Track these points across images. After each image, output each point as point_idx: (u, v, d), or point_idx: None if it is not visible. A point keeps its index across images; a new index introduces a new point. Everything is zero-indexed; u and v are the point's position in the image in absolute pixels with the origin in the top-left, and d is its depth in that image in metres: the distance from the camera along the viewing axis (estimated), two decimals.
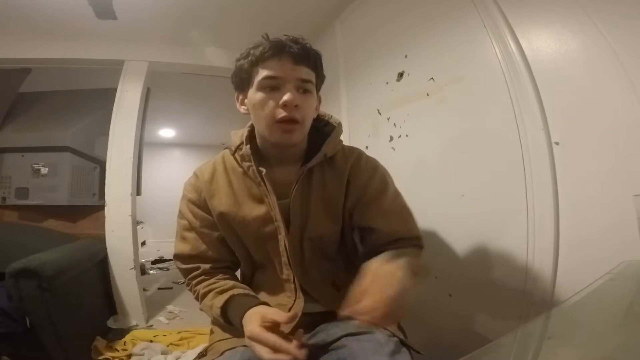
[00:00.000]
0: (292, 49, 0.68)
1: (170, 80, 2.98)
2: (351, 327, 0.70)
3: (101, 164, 2.23)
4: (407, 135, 1.39)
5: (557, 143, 0.86)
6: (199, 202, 0.80)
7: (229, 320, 0.71)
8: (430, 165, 1.28)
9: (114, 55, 2.29)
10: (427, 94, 1.28)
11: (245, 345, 0.67)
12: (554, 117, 0.87)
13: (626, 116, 0.73)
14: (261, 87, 0.69)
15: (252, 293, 0.75)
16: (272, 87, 0.69)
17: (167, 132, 5.45)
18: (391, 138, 1.47)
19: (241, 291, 0.73)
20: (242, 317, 0.66)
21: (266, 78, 0.68)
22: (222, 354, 0.70)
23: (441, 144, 1.22)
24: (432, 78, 1.26)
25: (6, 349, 1.36)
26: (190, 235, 0.81)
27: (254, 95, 0.71)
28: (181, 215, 0.83)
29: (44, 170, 2.05)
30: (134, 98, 2.27)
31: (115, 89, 2.27)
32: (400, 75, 1.43)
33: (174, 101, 3.73)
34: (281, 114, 0.68)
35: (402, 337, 0.71)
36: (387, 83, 1.51)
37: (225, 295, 0.71)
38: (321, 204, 0.77)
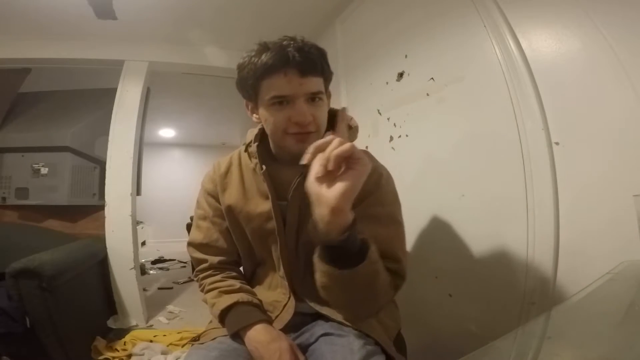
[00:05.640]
0: (296, 60, 0.64)
1: (170, 80, 2.98)
2: (329, 327, 0.72)
3: (101, 164, 2.23)
4: (407, 135, 1.39)
5: (557, 143, 0.86)
6: (213, 193, 0.83)
7: (223, 321, 0.73)
8: (430, 166, 1.28)
9: (114, 55, 2.29)
10: (427, 94, 1.28)
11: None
12: (554, 117, 0.87)
13: (626, 116, 0.73)
14: (270, 105, 0.68)
15: (255, 300, 0.76)
16: (281, 102, 0.67)
17: (167, 132, 5.45)
18: (391, 138, 1.47)
19: (245, 298, 0.74)
20: (246, 327, 0.69)
21: (275, 97, 0.67)
22: (214, 339, 0.74)
23: (441, 144, 1.22)
24: (432, 78, 1.26)
25: (6, 349, 1.36)
26: (204, 224, 0.84)
27: (264, 112, 0.70)
28: (198, 204, 0.87)
29: (44, 170, 2.05)
30: (134, 98, 2.27)
31: (115, 89, 2.27)
32: (400, 75, 1.43)
33: (174, 101, 3.73)
34: (294, 128, 0.67)
35: (385, 345, 0.69)
36: (387, 83, 1.51)
37: (229, 300, 0.73)
38: None
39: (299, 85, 0.66)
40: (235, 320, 0.71)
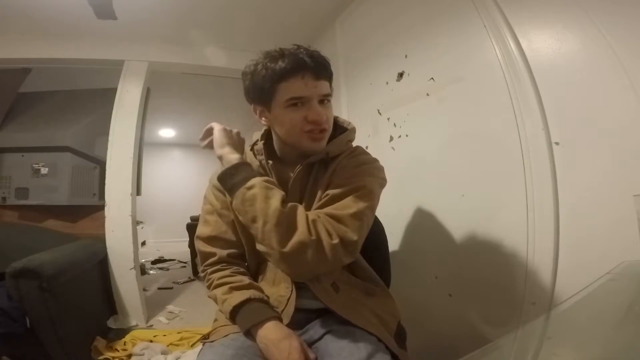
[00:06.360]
0: (310, 65, 0.72)
1: (170, 80, 2.98)
2: (333, 324, 0.73)
3: (101, 164, 2.23)
4: (407, 135, 1.39)
5: (557, 143, 0.86)
6: (221, 188, 0.84)
7: (234, 318, 0.73)
8: (430, 166, 1.27)
9: (114, 55, 2.29)
10: (427, 94, 1.28)
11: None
12: (554, 117, 0.87)
13: (626, 116, 0.73)
14: (287, 106, 0.74)
15: (265, 297, 0.77)
16: (296, 104, 0.74)
17: (167, 132, 5.45)
18: (391, 138, 1.47)
19: (257, 295, 0.75)
20: (258, 324, 0.69)
21: (292, 99, 0.73)
22: (226, 336, 0.74)
23: (441, 144, 1.22)
24: (432, 78, 1.26)
25: (6, 349, 1.36)
26: (212, 218, 0.86)
27: (280, 113, 0.76)
28: (205, 200, 0.89)
29: (44, 170, 2.05)
30: (134, 98, 2.27)
31: (115, 89, 2.27)
32: (400, 75, 1.43)
33: (174, 101, 3.74)
34: (309, 126, 0.74)
35: (388, 342, 0.71)
36: (387, 83, 1.51)
37: (241, 296, 0.73)
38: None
39: (314, 88, 0.73)
40: (248, 317, 0.71)
